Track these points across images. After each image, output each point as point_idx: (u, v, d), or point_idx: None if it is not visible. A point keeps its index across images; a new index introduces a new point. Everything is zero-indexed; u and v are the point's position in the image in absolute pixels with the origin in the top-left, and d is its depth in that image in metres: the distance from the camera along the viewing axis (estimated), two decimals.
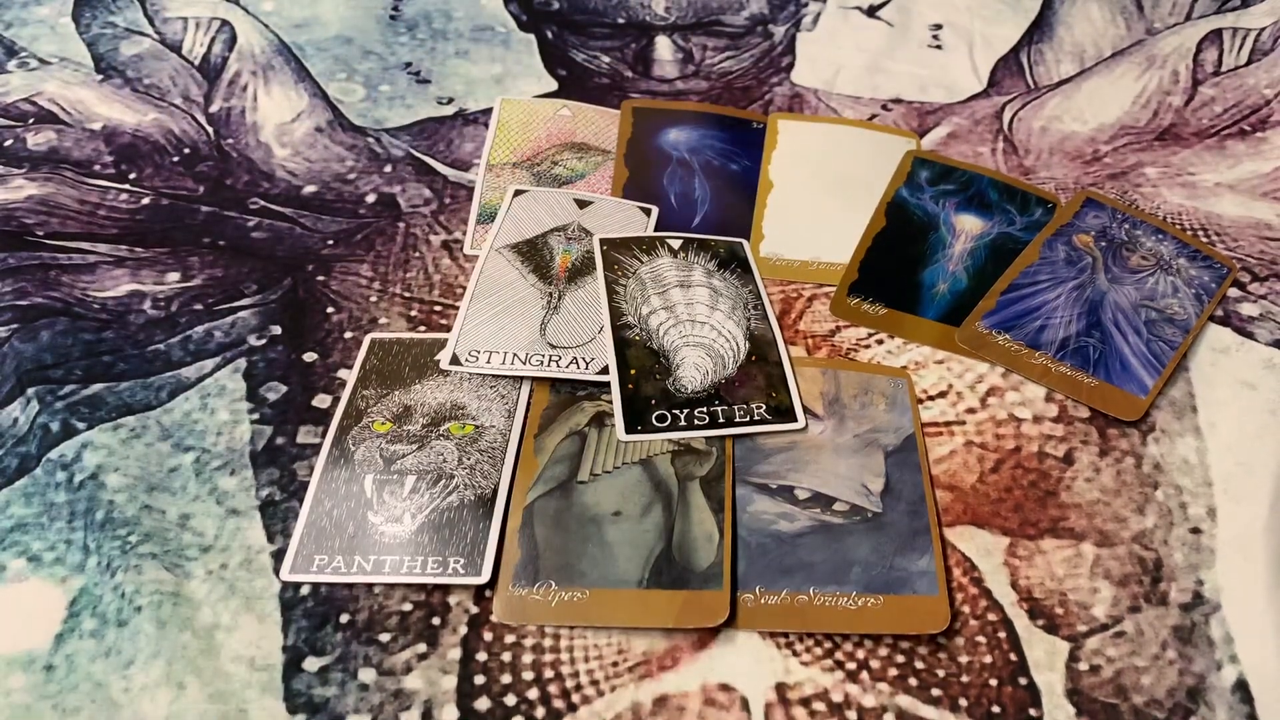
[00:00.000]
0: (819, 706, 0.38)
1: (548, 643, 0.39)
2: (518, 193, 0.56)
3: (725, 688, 0.38)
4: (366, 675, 0.38)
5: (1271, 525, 0.44)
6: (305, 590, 0.40)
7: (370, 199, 0.57)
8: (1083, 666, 0.39)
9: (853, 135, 0.62)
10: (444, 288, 0.52)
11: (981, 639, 0.40)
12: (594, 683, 0.38)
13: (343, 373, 0.48)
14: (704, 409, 0.45)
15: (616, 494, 0.43)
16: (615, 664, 0.39)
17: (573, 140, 0.61)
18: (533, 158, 0.59)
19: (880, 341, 0.51)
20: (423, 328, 0.50)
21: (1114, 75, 0.68)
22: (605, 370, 0.47)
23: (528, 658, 0.39)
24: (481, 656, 0.39)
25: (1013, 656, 0.40)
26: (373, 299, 0.51)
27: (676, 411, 0.45)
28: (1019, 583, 0.42)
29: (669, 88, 0.66)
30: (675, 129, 0.62)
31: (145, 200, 0.56)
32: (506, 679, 0.38)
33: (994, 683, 0.39)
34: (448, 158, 0.60)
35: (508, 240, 0.53)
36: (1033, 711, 0.38)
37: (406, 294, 0.52)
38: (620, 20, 0.70)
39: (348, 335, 0.50)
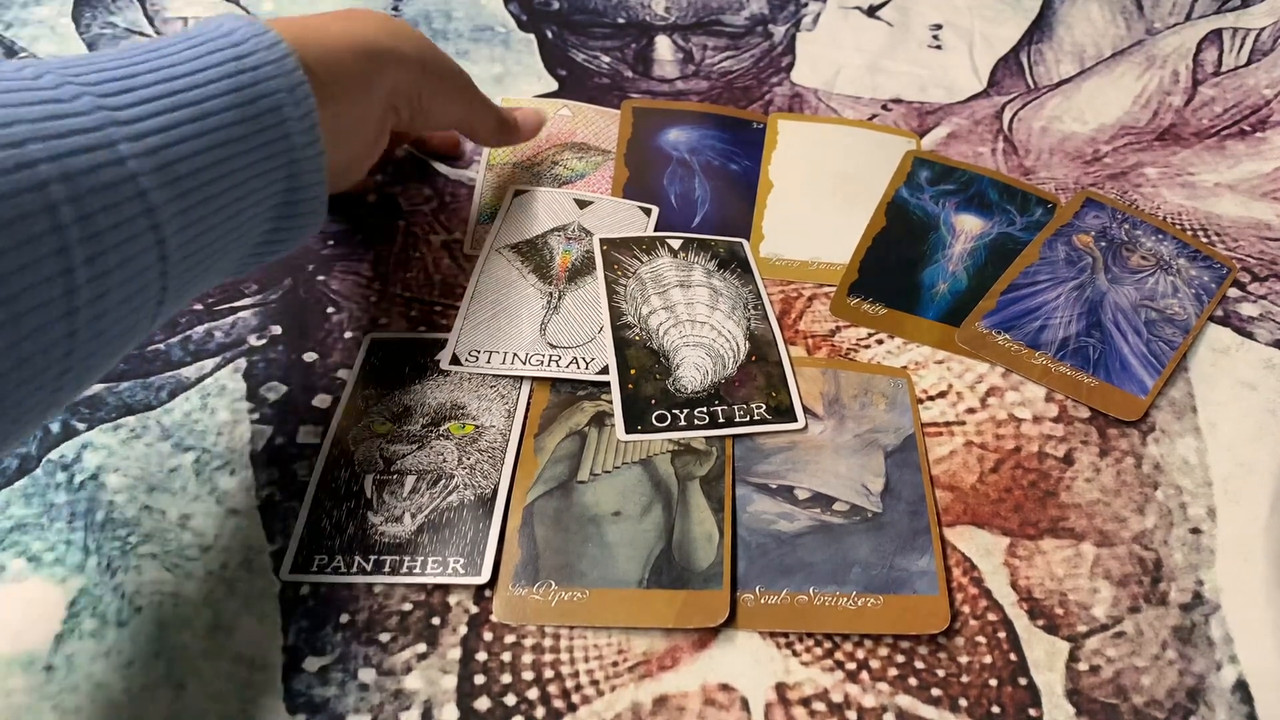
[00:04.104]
0: (819, 706, 0.38)
1: (548, 643, 0.39)
2: (518, 192, 0.56)
3: (725, 688, 0.38)
4: (366, 675, 0.38)
5: (1271, 525, 0.44)
6: (305, 590, 0.40)
7: (370, 198, 0.57)
8: (1083, 666, 0.39)
9: (853, 135, 0.62)
10: (444, 288, 0.52)
11: (981, 639, 0.40)
12: (594, 683, 0.38)
13: (343, 373, 0.48)
14: (704, 409, 0.45)
15: (616, 494, 0.43)
16: (615, 664, 0.39)
17: (573, 140, 0.61)
18: (533, 158, 0.59)
19: (880, 341, 0.51)
20: (423, 328, 0.50)
21: (1114, 75, 0.68)
22: (605, 370, 0.47)
23: (528, 658, 0.39)
24: (481, 656, 0.39)
25: (1013, 656, 0.40)
26: (373, 299, 0.51)
27: (676, 411, 0.45)
28: (1019, 583, 0.42)
29: (669, 88, 0.66)
30: (675, 129, 0.62)
31: None
32: (506, 679, 0.38)
33: (994, 683, 0.39)
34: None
35: (508, 240, 0.53)
36: (1032, 711, 0.38)
37: (406, 294, 0.52)
38: (620, 20, 0.70)
39: (348, 335, 0.50)
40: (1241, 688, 0.39)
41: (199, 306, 0.50)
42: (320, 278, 0.52)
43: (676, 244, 0.53)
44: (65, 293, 0.27)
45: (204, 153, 0.32)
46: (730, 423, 0.45)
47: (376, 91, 0.42)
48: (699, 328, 0.49)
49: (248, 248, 0.37)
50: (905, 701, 0.38)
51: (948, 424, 0.47)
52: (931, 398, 0.48)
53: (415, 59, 0.44)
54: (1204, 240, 0.57)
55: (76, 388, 0.31)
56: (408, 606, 0.40)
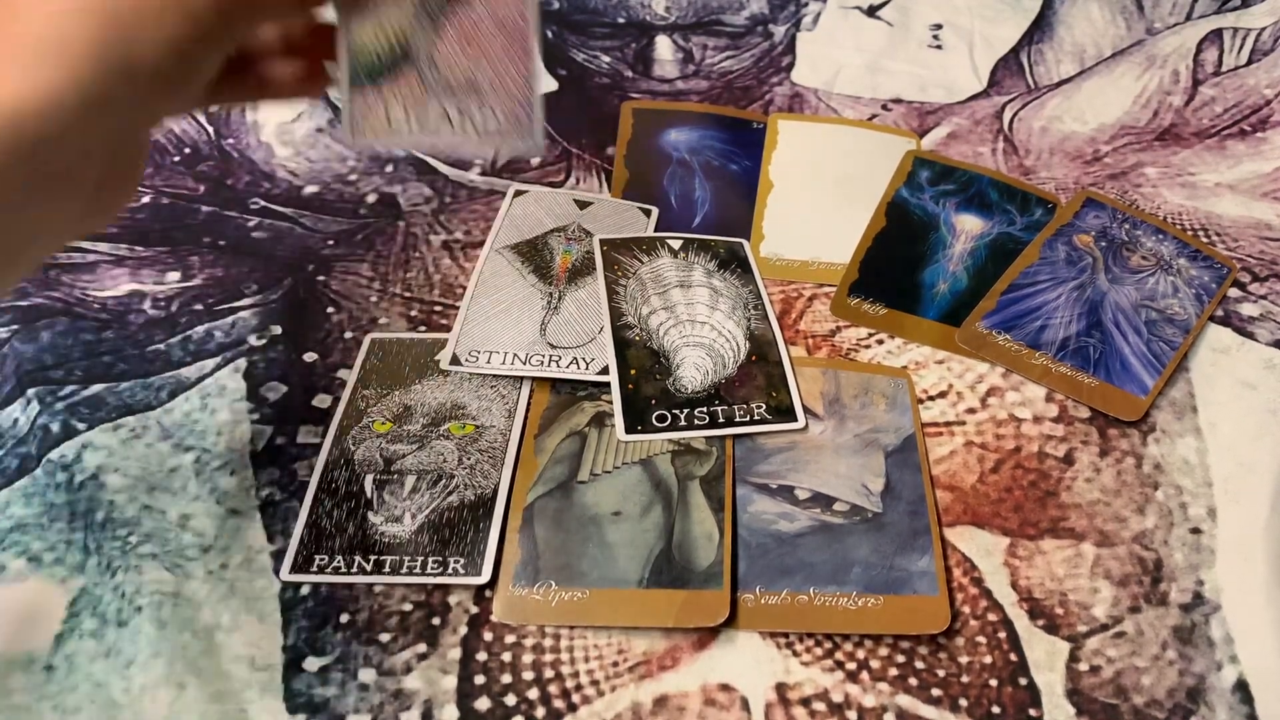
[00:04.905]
0: (819, 706, 0.38)
1: (548, 643, 0.39)
2: (518, 193, 0.56)
3: (725, 688, 0.38)
4: (366, 675, 0.38)
5: (1271, 525, 0.44)
6: (305, 590, 0.40)
7: (371, 199, 0.57)
8: (1083, 667, 0.39)
9: (853, 135, 0.62)
10: (444, 288, 0.52)
11: (981, 639, 0.40)
12: (594, 683, 0.38)
13: (343, 373, 0.48)
14: (704, 409, 0.45)
15: (616, 494, 0.43)
16: (615, 664, 0.39)
17: None
18: None
19: (880, 341, 0.51)
20: (423, 328, 0.50)
21: (1114, 75, 0.68)
22: (605, 371, 0.47)
23: (528, 658, 0.39)
24: (481, 656, 0.39)
25: (1013, 657, 0.40)
26: (373, 299, 0.51)
27: (676, 411, 0.45)
28: (1019, 583, 0.42)
29: (669, 88, 0.66)
30: (675, 129, 0.62)
31: (146, 199, 0.57)
32: (506, 679, 0.38)
33: (994, 683, 0.39)
34: (448, 157, 0.60)
35: (508, 240, 0.53)
36: (1033, 712, 0.38)
37: (406, 294, 0.52)
38: (620, 20, 0.70)
39: (348, 335, 0.50)
40: (1242, 688, 0.39)
41: (199, 307, 0.51)
42: (320, 278, 0.52)
43: (676, 244, 0.53)
44: None
45: None
46: (730, 423, 0.45)
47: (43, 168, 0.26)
48: (699, 328, 0.49)
49: None
50: (905, 701, 0.38)
51: (948, 424, 0.47)
52: (932, 398, 0.48)
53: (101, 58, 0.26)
54: (1204, 240, 0.57)
55: None
56: (408, 606, 0.40)
